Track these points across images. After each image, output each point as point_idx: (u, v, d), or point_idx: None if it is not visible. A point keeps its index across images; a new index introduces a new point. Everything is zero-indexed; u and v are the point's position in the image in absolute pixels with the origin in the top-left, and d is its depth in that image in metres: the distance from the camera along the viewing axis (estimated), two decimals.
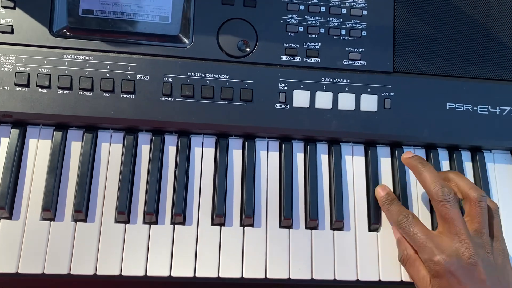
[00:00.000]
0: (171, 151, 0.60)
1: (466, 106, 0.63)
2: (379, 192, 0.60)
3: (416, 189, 0.63)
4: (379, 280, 0.58)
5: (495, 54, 0.65)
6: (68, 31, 0.59)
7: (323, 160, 0.63)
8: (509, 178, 0.65)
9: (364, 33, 0.63)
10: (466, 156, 0.65)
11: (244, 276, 0.56)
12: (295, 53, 0.61)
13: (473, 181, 0.64)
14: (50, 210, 0.55)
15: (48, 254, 0.54)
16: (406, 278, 0.58)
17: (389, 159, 0.64)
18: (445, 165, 0.64)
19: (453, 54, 0.64)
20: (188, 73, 0.59)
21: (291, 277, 0.57)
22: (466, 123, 0.63)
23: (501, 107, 0.64)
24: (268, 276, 0.57)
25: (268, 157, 0.62)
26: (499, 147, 0.65)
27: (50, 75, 0.57)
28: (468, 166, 0.65)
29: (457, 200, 0.54)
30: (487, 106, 0.64)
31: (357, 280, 0.58)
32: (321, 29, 0.62)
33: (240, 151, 0.62)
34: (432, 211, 0.62)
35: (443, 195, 0.53)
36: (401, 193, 0.61)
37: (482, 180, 0.63)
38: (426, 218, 0.61)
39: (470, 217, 0.54)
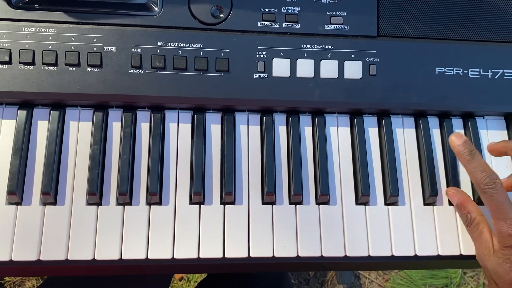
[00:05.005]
0: (144, 128, 0.56)
1: (456, 70, 0.60)
2: (454, 141, 0.54)
3: (405, 161, 0.60)
4: (369, 256, 0.55)
5: (486, 15, 0.61)
6: (28, 2, 0.55)
7: (307, 132, 0.59)
8: None
9: None
10: (457, 123, 0.62)
11: (226, 256, 0.53)
12: (273, 19, 0.58)
13: None
14: (15, 193, 0.51)
15: (16, 240, 0.51)
16: (397, 252, 0.55)
17: (376, 129, 0.60)
18: (435, 133, 0.61)
19: (441, 15, 0.60)
20: (159, 43, 0.55)
21: (276, 255, 0.54)
22: (457, 88, 0.59)
23: (493, 70, 0.60)
24: (251, 255, 0.54)
25: (249, 131, 0.58)
26: (492, 113, 0.62)
27: (10, 49, 0.53)
28: None
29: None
30: (478, 70, 0.60)
31: (345, 256, 0.55)
32: None
33: (219, 126, 0.58)
34: (423, 181, 0.59)
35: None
36: (389, 165, 0.58)
37: None
38: (417, 190, 0.58)
39: None
